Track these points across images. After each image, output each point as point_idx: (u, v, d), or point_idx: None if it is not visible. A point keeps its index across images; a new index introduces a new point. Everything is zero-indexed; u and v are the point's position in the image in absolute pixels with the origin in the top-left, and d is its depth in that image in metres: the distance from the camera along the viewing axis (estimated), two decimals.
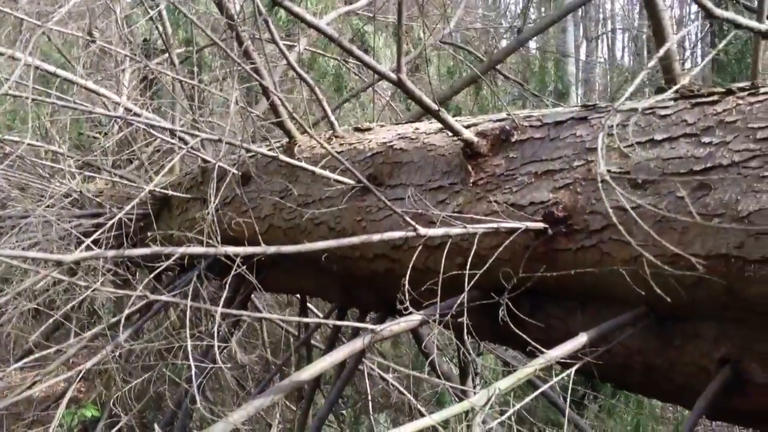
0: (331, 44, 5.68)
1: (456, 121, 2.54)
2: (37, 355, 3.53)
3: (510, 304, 2.15)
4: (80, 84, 4.01)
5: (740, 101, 1.90)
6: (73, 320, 4.33)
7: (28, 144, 4.11)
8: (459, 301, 2.10)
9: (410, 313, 2.09)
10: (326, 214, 2.96)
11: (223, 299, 2.85)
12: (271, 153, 3.16)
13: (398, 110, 6.70)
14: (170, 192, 4.19)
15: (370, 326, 2.14)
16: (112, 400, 3.75)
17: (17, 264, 3.21)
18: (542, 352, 1.87)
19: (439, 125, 2.65)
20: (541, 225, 2.14)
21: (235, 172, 3.39)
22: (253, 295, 4.30)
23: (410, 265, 2.24)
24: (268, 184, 3.41)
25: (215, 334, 2.36)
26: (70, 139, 6.04)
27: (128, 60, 5.63)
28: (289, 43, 5.84)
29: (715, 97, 1.97)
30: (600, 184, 1.92)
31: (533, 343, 1.88)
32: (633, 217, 1.75)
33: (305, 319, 3.40)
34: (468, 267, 2.08)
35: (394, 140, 2.90)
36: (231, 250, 2.19)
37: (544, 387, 2.02)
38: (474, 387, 3.50)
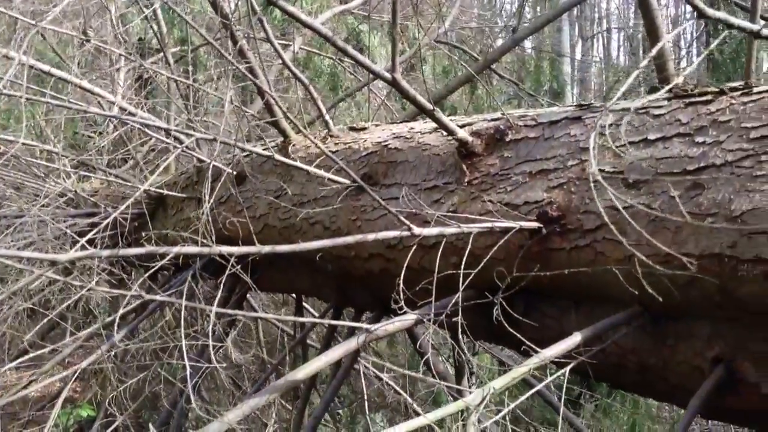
0: (326, 43, 5.68)
1: (451, 120, 2.54)
2: (32, 355, 3.53)
3: (504, 303, 2.15)
4: (75, 83, 4.01)
5: (734, 101, 1.90)
6: (69, 320, 4.33)
7: (23, 143, 4.10)
8: (454, 301, 2.11)
9: (405, 312, 2.09)
10: (321, 213, 2.96)
11: (218, 299, 2.86)
12: (266, 152, 3.16)
13: (393, 109, 6.70)
14: (165, 191, 4.18)
15: (365, 326, 2.15)
16: (107, 400, 3.75)
17: (12, 264, 3.21)
18: (537, 352, 1.87)
19: (434, 125, 2.65)
20: (535, 224, 2.14)
21: (230, 171, 3.39)
22: (248, 295, 4.30)
23: (405, 265, 2.24)
24: (263, 183, 3.41)
25: (210, 334, 2.36)
26: (65, 139, 6.03)
27: (123, 59, 5.63)
28: (284, 42, 5.82)
29: (709, 97, 1.97)
30: (593, 184, 1.93)
31: (528, 342, 1.88)
32: (626, 217, 1.75)
33: (301, 319, 3.40)
34: (463, 266, 2.08)
35: (389, 140, 2.90)
36: (226, 249, 2.19)
37: (539, 386, 2.02)
38: (469, 386, 3.50)
